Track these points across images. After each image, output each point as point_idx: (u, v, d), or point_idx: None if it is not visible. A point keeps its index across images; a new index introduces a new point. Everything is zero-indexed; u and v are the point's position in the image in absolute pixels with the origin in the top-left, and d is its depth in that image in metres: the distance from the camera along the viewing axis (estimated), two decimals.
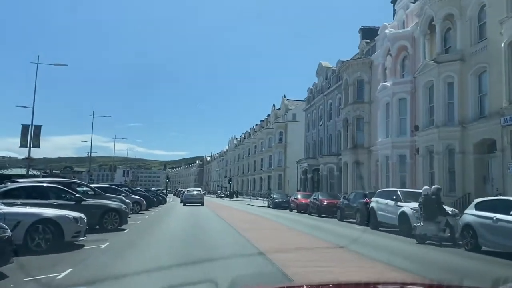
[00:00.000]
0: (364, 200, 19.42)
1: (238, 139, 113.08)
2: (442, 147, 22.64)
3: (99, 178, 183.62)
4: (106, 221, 13.80)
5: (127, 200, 19.36)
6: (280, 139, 66.13)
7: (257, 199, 68.96)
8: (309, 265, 8.13)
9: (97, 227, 13.59)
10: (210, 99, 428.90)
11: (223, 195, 79.44)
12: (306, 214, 27.59)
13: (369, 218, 17.82)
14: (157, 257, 9.11)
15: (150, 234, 13.69)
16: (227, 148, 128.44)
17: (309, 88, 53.28)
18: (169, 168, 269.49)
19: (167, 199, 55.23)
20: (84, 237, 10.10)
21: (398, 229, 15.51)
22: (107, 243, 10.59)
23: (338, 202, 23.89)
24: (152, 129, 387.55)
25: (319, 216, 25.12)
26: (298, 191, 41.65)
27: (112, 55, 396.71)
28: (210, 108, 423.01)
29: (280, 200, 36.71)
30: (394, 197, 16.00)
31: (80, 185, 18.14)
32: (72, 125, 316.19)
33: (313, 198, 26.97)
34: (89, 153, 56.92)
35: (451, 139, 22.33)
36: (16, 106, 36.57)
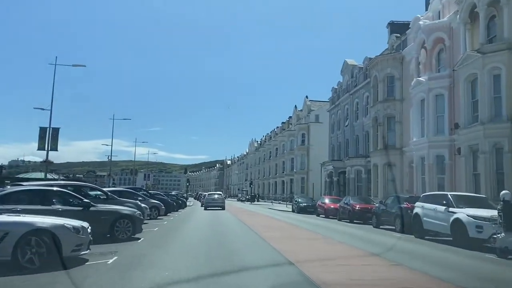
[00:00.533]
0: (405, 205, 17.38)
1: (259, 142, 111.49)
2: (489, 146, 20.44)
3: (121, 182, 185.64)
4: (117, 229, 12.22)
5: (143, 205, 17.81)
6: (303, 141, 64.17)
7: (279, 203, 67.11)
8: None
9: (108, 236, 12.05)
10: (231, 102, 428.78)
11: (244, 198, 77.86)
12: (336, 220, 25.61)
13: (411, 225, 15.81)
14: (175, 275, 7.41)
15: (166, 244, 12.01)
16: (247, 151, 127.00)
17: (333, 87, 51.24)
18: (189, 172, 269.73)
19: (188, 203, 53.90)
20: (87, 250, 8.49)
21: (450, 238, 13.50)
22: (115, 257, 8.97)
23: (373, 206, 21.88)
24: (173, 133, 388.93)
25: (351, 222, 23.15)
26: (324, 195, 39.64)
27: (132, 59, 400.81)
28: (231, 111, 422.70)
29: (305, 204, 34.80)
30: (445, 202, 13.96)
31: (93, 188, 16.64)
32: (95, 130, 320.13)
33: (344, 203, 24.96)
34: (110, 157, 56.15)
35: (498, 137, 20.12)
36: (34, 108, 35.81)
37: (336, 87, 49.79)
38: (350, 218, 23.23)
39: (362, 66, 41.41)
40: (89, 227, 8.75)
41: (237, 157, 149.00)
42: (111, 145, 52.97)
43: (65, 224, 8.02)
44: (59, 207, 11.04)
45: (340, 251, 11.72)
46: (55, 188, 12.32)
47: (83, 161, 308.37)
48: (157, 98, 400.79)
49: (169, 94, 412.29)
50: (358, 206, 23.27)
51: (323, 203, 29.76)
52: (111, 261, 8.60)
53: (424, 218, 14.96)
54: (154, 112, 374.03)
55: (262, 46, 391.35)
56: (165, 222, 19.84)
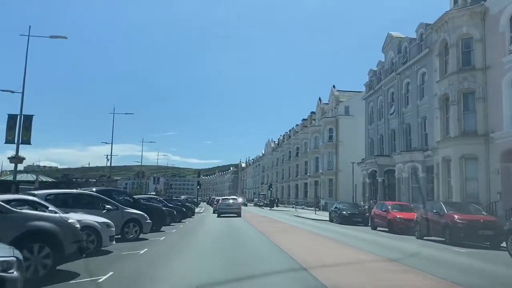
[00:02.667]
0: None
1: (276, 142, 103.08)
2: None
3: (133, 186, 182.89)
4: None
5: (91, 220, 9.53)
6: (330, 138, 55.51)
7: (302, 208, 58.55)
8: None
9: None
10: (244, 105, 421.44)
11: (261, 203, 69.47)
12: (413, 238, 17.02)
13: None
14: None
15: None
16: (263, 152, 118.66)
17: (371, 70, 42.62)
18: (203, 176, 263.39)
19: (198, 210, 45.76)
20: None
21: None
22: None
23: (491, 219, 13.30)
24: (187, 138, 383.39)
25: (451, 243, 14.51)
26: (373, 200, 31.08)
27: (148, 63, 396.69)
28: (245, 115, 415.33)
29: (350, 212, 26.27)
30: None
31: None
32: (110, 135, 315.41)
33: (433, 212, 16.14)
34: (110, 159, 48.56)
35: None
36: (1, 90, 28.50)
37: (376, 68, 41.16)
38: (452, 238, 14.50)
39: (415, 37, 32.79)
40: None
41: (252, 159, 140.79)
42: (111, 147, 45.88)
43: None
44: None
45: None
46: None
47: (97, 166, 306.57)
48: (172, 102, 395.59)
49: (184, 99, 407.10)
50: (460, 217, 14.51)
51: (385, 211, 21.08)
52: None
53: None
54: (169, 117, 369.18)
55: (276, 42, 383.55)
56: (143, 251, 11.38)
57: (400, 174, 32.11)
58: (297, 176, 73.32)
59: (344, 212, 26.20)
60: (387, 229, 20.45)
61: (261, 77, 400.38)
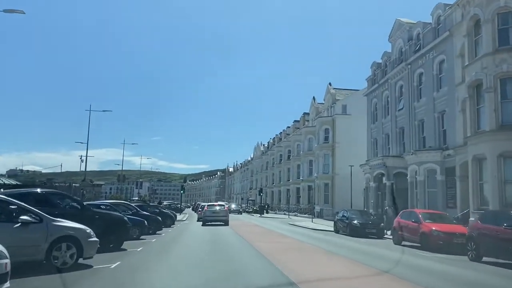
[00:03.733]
0: None
1: (266, 145, 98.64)
2: None
3: (117, 192, 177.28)
4: None
5: None
6: (326, 139, 51.21)
7: (295, 215, 54.07)
8: None
9: None
10: (232, 110, 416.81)
11: (251, 209, 64.79)
12: (466, 259, 12.66)
13: None
14: None
15: None
16: (252, 156, 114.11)
17: (374, 62, 38.49)
18: (189, 181, 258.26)
19: (181, 217, 40.97)
20: None
21: None
22: None
23: None
24: (173, 143, 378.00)
25: None
26: (389, 208, 26.58)
27: (132, 68, 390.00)
28: (233, 119, 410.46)
29: (361, 222, 21.83)
30: None
31: None
32: (97, 140, 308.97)
33: (506, 226, 11.50)
34: (85, 161, 43.54)
35: None
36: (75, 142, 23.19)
37: (381, 61, 37.02)
38: None
39: (430, 20, 28.71)
40: None
41: (240, 163, 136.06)
42: (86, 149, 40.75)
43: None
44: None
45: None
46: None
47: (81, 170, 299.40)
48: (158, 107, 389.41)
49: (170, 104, 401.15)
50: None
51: (416, 222, 16.55)
52: None
53: None
54: (155, 121, 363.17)
55: (263, 43, 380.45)
56: None
57: (414, 177, 27.86)
58: (288, 180, 68.90)
59: (355, 222, 21.73)
60: (418, 245, 16.05)
61: (249, 80, 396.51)
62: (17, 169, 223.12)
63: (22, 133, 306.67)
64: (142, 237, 17.05)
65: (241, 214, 58.11)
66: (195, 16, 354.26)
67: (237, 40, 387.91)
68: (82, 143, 45.11)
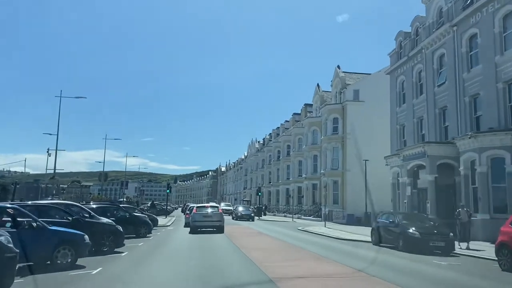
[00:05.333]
0: None
1: (261, 142, 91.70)
2: None
3: (107, 193, 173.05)
4: None
5: None
6: (335, 130, 44.35)
7: (299, 217, 47.22)
8: None
9: None
10: (224, 110, 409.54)
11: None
12: None
13: None
14: None
15: None
16: (246, 154, 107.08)
17: (400, 32, 31.68)
18: (180, 181, 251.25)
19: (166, 221, 33.92)
20: None
21: None
22: None
23: None
24: (165, 144, 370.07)
25: None
26: (464, 208, 19.58)
27: (125, 69, 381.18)
28: (224, 120, 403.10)
29: (422, 232, 14.83)
30: None
31: None
32: (86, 141, 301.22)
33: None
34: (54, 168, 36.34)
35: None
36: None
37: (410, 29, 30.23)
38: None
39: None
40: None
41: (233, 162, 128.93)
42: (56, 155, 33.83)
43: None
44: None
45: None
46: None
47: (71, 171, 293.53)
48: (149, 108, 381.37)
49: (161, 104, 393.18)
50: None
51: None
52: None
53: None
54: (146, 122, 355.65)
55: (255, 37, 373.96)
56: None
57: (468, 169, 21.07)
58: (288, 178, 61.95)
59: (413, 231, 14.79)
60: None
61: (241, 79, 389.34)
62: (4, 170, 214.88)
63: (9, 133, 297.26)
64: (78, 262, 9.96)
65: (252, 220, 40.43)
66: (186, 9, 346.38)
67: (227, 37, 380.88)
68: (51, 134, 36.94)
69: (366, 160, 38.36)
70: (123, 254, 12.47)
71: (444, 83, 25.28)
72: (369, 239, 18.40)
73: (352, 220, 40.06)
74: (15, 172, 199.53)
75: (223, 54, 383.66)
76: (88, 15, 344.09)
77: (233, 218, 42.27)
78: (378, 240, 17.21)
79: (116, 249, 12.95)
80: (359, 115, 42.04)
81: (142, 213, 25.64)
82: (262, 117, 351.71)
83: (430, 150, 23.37)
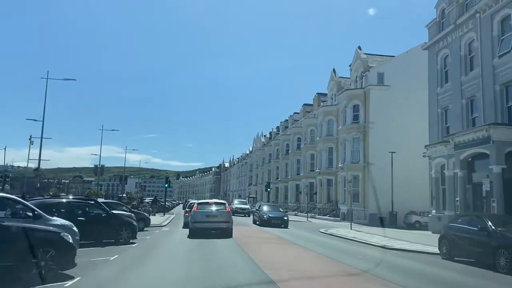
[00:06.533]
0: None
1: (267, 136, 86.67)
2: None
3: (109, 188, 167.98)
4: None
5: None
6: (355, 118, 39.26)
7: (312, 216, 42.27)
8: None
9: None
10: (226, 107, 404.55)
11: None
12: None
13: None
14: None
15: None
16: (251, 149, 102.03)
17: None
18: (182, 177, 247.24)
19: (162, 219, 29.07)
20: None
21: None
22: None
23: None
24: (167, 140, 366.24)
25: None
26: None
27: (129, 66, 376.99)
28: (227, 116, 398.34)
29: None
30: None
31: None
32: (89, 137, 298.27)
33: None
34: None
35: None
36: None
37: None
38: None
39: None
40: None
41: (237, 158, 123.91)
42: (40, 149, 29.11)
43: None
44: None
45: None
46: None
47: (74, 167, 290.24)
48: (153, 104, 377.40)
49: (165, 100, 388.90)
50: None
51: None
52: None
53: None
54: (150, 118, 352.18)
55: (258, 29, 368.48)
56: None
57: None
58: (298, 174, 56.92)
59: None
60: None
61: (243, 75, 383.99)
62: (8, 165, 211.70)
63: (14, 129, 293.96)
64: None
65: (286, 225, 27.23)
66: (187, 11, 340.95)
67: (230, 32, 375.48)
68: (36, 120, 32.06)
69: (392, 152, 33.47)
70: (66, 284, 7.31)
71: (507, 52, 20.17)
72: (431, 249, 13.44)
73: (375, 220, 35.14)
74: (18, 167, 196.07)
75: (226, 49, 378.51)
76: (91, 10, 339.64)
77: (255, 222, 29.65)
78: (451, 252, 12.18)
79: (65, 269, 7.87)
80: (383, 101, 37.00)
81: (131, 211, 20.82)
82: (268, 113, 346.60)
83: (497, 135, 18.27)
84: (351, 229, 25.62)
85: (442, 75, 26.25)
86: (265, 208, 30.10)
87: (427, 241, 17.11)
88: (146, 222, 21.35)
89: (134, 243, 14.37)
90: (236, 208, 40.74)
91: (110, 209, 19.64)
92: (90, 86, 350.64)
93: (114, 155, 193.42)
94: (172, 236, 18.73)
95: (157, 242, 15.86)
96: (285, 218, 27.62)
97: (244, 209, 41.14)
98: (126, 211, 20.10)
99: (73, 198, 14.54)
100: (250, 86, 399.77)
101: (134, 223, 14.79)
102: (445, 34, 25.63)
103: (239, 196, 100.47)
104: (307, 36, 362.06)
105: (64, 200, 13.86)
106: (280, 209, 32.70)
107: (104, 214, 13.89)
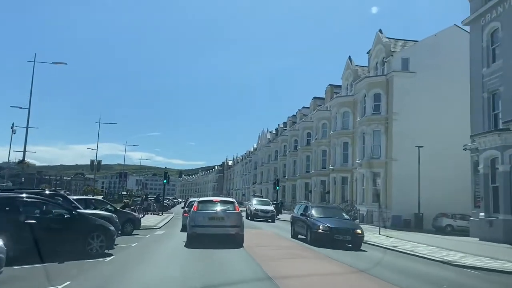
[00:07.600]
0: None
1: (273, 132, 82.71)
2: None
3: (110, 186, 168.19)
4: None
5: None
6: (376, 108, 35.20)
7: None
8: None
9: None
10: (229, 106, 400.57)
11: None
12: None
13: None
14: None
15: None
16: (255, 146, 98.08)
17: None
18: (184, 176, 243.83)
19: (158, 220, 25.20)
20: None
21: None
22: None
23: None
24: (170, 138, 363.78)
25: None
26: None
27: (134, 65, 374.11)
28: (230, 115, 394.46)
29: None
30: None
31: None
32: (93, 135, 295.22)
33: None
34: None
35: None
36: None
37: None
38: None
39: None
40: None
41: (241, 156, 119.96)
42: (25, 147, 24.98)
43: None
44: None
45: None
46: None
47: (77, 164, 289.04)
48: (156, 102, 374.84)
49: (168, 99, 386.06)
50: None
51: None
52: None
53: None
54: (153, 116, 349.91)
55: (263, 23, 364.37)
56: None
57: None
58: (308, 171, 52.93)
59: None
60: None
61: (246, 74, 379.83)
62: (11, 162, 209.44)
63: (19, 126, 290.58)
64: None
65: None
66: (189, 9, 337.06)
67: (235, 29, 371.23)
68: (21, 108, 28.24)
69: (419, 147, 29.48)
70: None
71: None
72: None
73: (399, 222, 31.33)
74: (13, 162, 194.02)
75: (228, 47, 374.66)
76: (98, 8, 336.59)
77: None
78: None
79: None
80: (409, 89, 33.02)
81: (116, 211, 16.95)
82: (272, 111, 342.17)
83: None
84: (379, 233, 21.67)
85: (489, 53, 22.22)
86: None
87: (489, 253, 13.16)
88: (135, 224, 17.47)
89: (109, 254, 10.40)
90: (256, 210, 30.95)
91: (90, 207, 15.82)
92: (94, 84, 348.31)
93: (117, 153, 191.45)
94: (165, 243, 14.76)
95: (142, 253, 11.87)
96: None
97: (267, 211, 30.99)
98: (110, 211, 16.26)
99: (28, 193, 10.53)
100: (254, 84, 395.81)
101: (111, 227, 10.79)
102: (495, 3, 21.58)
103: (243, 195, 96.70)
104: (309, 33, 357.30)
105: (10, 195, 9.93)
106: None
107: (67, 215, 9.93)
